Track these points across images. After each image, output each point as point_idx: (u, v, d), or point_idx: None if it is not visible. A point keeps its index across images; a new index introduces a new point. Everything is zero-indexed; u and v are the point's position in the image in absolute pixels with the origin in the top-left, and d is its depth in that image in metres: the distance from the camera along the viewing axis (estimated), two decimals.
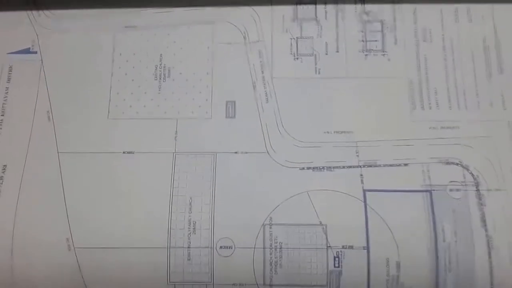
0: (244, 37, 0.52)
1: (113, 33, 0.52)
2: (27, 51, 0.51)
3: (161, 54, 0.51)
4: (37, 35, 0.52)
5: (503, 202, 0.46)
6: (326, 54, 0.51)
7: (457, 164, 0.47)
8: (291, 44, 0.51)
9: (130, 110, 0.49)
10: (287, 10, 0.52)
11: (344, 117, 0.49)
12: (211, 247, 0.45)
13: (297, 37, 0.52)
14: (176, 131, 0.49)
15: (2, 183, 0.47)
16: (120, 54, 0.51)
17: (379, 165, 0.47)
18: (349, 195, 0.46)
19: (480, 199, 0.46)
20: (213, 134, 0.49)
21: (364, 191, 0.46)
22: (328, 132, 0.48)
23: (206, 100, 0.50)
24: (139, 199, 0.47)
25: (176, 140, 0.48)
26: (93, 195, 0.47)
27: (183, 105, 0.50)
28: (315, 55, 0.51)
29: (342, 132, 0.48)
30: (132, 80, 0.50)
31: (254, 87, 0.50)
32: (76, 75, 0.50)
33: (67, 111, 0.49)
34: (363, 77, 0.50)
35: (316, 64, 0.51)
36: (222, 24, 0.52)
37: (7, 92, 0.50)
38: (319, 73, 0.50)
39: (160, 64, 0.51)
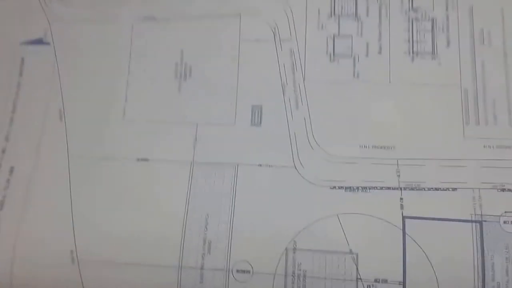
0: (274, 34, 0.43)
1: (131, 24, 0.44)
2: (39, 41, 0.44)
3: (182, 50, 0.43)
4: (49, 24, 0.44)
5: None
6: (367, 55, 0.42)
7: None
8: (327, 43, 0.42)
9: (146, 111, 0.42)
10: (323, 4, 0.43)
11: (384, 129, 0.40)
12: (226, 270, 0.38)
13: (334, 35, 0.43)
14: (196, 138, 0.41)
15: (8, 187, 0.41)
16: (138, 49, 0.43)
17: (423, 188, 0.38)
18: (386, 221, 0.38)
19: None
20: (235, 143, 0.41)
21: (404, 217, 0.38)
22: (365, 146, 0.40)
23: (230, 104, 0.42)
24: (150, 212, 0.39)
25: (194, 148, 0.41)
26: (102, 205, 0.40)
27: (204, 108, 0.42)
28: (354, 56, 0.42)
29: (381, 147, 0.40)
30: (150, 78, 0.43)
31: (283, 91, 0.42)
32: (91, 70, 0.43)
33: (80, 110, 0.42)
34: (408, 83, 0.41)
35: (354, 66, 0.42)
36: (249, 18, 0.43)
37: (19, 87, 0.43)
38: (357, 77, 0.41)
39: (181, 61, 0.43)
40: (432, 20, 0.42)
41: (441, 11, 0.42)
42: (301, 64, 0.42)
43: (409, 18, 0.42)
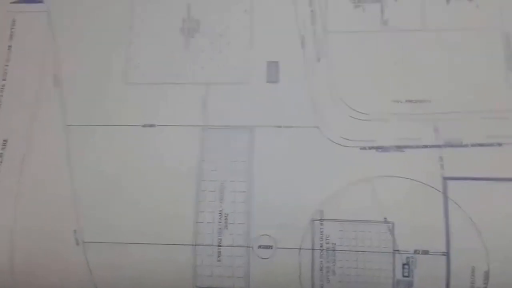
0: None
1: None
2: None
3: (189, 4, 0.38)
4: None
5: None
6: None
7: None
8: None
9: (151, 72, 0.37)
10: None
11: (419, 81, 0.35)
12: (246, 246, 0.34)
13: None
14: (206, 99, 0.36)
15: (1, 162, 0.36)
16: (141, 4, 0.38)
17: (465, 145, 0.34)
18: (425, 184, 0.33)
19: None
20: (250, 103, 0.36)
21: (444, 179, 0.33)
22: (397, 101, 0.35)
23: (243, 60, 0.37)
24: (159, 184, 0.35)
25: (205, 110, 0.36)
26: (106, 178, 0.35)
27: (215, 66, 0.37)
28: (382, 1, 0.37)
29: (416, 101, 0.35)
30: (154, 35, 0.38)
31: (303, 43, 0.37)
32: (88, 29, 0.38)
33: (77, 74, 0.37)
34: (444, 29, 0.36)
35: (382, 12, 0.37)
36: None
37: (10, 52, 0.38)
38: (386, 24, 0.36)
39: (188, 16, 0.38)
40: None
41: None
42: (321, 13, 0.37)
43: None
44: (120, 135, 0.36)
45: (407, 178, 0.33)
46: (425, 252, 0.32)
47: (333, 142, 0.35)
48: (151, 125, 0.36)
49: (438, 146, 0.34)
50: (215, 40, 0.37)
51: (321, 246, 0.33)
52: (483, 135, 0.34)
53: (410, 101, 0.35)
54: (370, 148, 0.34)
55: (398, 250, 0.33)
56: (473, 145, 0.34)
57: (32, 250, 0.35)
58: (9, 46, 0.39)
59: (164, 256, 0.34)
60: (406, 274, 0.32)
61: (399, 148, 0.34)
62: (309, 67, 0.36)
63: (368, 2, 0.37)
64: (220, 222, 0.34)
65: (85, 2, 0.39)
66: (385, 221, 0.33)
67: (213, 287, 0.34)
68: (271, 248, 0.33)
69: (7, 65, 0.38)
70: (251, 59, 0.37)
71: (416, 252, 0.32)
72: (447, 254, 0.32)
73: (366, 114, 0.35)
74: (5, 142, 0.37)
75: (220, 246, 0.34)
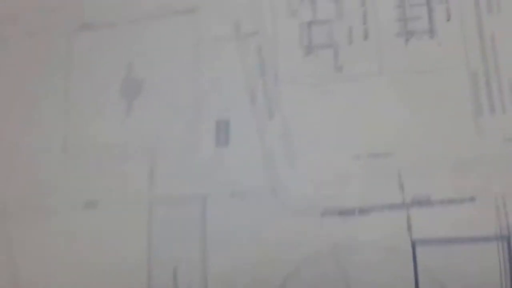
0: (236, 28, 0.35)
1: (67, 35, 0.36)
2: None
3: (130, 63, 0.36)
4: None
5: None
6: (350, 43, 0.34)
7: None
8: (301, 32, 0.34)
9: (91, 141, 0.34)
10: None
11: (380, 132, 0.32)
12: None
13: (309, 22, 0.35)
14: (152, 169, 0.34)
15: None
16: (77, 65, 0.36)
17: (434, 202, 0.31)
18: (392, 248, 0.30)
19: None
20: (200, 170, 0.33)
21: (413, 241, 0.30)
22: (358, 157, 0.32)
23: (190, 121, 0.34)
24: (106, 271, 0.32)
25: (152, 181, 0.33)
26: (47, 268, 0.33)
27: (160, 130, 0.34)
28: (335, 46, 0.34)
29: (378, 154, 0.32)
30: (93, 100, 0.35)
31: (253, 98, 0.34)
32: (20, 97, 0.36)
33: (8, 147, 0.35)
34: (404, 71, 0.33)
35: (337, 58, 0.34)
36: (206, 12, 0.35)
37: None
38: (341, 70, 0.34)
39: (129, 76, 0.35)
40: None
41: None
42: (272, 63, 0.34)
43: None
44: (60, 217, 0.33)
45: (373, 243, 0.31)
46: None
47: (291, 208, 0.32)
48: (93, 204, 0.33)
49: (405, 205, 0.31)
50: (159, 100, 0.35)
51: None
52: (453, 189, 0.31)
53: (371, 155, 0.32)
54: (332, 212, 0.32)
55: None
56: (442, 202, 0.31)
57: None
58: None
59: None
60: None
61: (363, 210, 0.31)
62: (260, 125, 0.34)
63: (320, 47, 0.34)
64: None
65: (15, 67, 0.36)
66: None
67: None
68: None
69: None
70: (199, 119, 0.34)
71: None
72: None
73: (325, 173, 0.32)
74: None
75: None
